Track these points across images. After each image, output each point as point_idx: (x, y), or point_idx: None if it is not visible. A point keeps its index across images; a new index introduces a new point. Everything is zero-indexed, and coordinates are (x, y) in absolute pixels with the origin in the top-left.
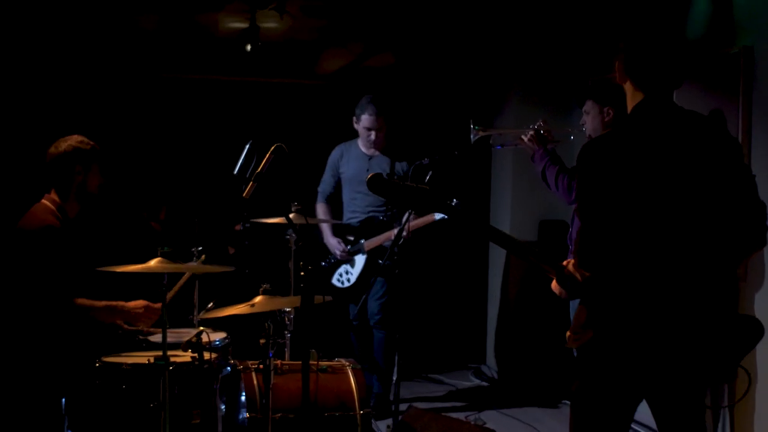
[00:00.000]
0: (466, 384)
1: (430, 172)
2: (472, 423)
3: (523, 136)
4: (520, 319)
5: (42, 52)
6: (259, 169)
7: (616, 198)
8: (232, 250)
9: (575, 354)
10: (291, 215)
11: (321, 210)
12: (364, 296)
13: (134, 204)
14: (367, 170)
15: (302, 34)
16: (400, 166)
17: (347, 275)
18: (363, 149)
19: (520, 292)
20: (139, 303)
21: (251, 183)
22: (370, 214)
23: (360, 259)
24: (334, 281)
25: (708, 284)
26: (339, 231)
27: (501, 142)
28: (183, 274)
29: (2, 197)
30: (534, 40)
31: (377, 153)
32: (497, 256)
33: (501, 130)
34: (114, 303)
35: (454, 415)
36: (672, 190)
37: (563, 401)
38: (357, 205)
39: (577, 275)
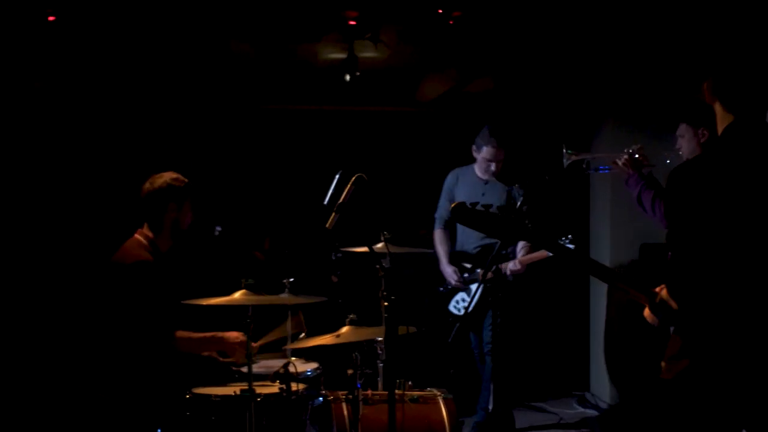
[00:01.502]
0: (570, 412)
1: (521, 198)
2: None
3: (617, 160)
4: (623, 345)
5: (142, 85)
6: (341, 200)
7: (707, 223)
8: (335, 279)
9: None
10: (378, 245)
11: (438, 237)
12: (457, 325)
13: (238, 235)
14: (483, 194)
15: (400, 61)
16: (516, 191)
17: (463, 302)
18: (479, 174)
19: (623, 318)
20: (237, 335)
21: (333, 213)
22: (486, 241)
23: (475, 288)
24: (451, 308)
25: None
26: (455, 258)
27: (595, 167)
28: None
29: (97, 230)
30: (630, 64)
31: (493, 178)
32: (598, 283)
33: (594, 154)
34: (211, 334)
35: None
36: (765, 215)
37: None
38: (471, 233)
39: (672, 303)
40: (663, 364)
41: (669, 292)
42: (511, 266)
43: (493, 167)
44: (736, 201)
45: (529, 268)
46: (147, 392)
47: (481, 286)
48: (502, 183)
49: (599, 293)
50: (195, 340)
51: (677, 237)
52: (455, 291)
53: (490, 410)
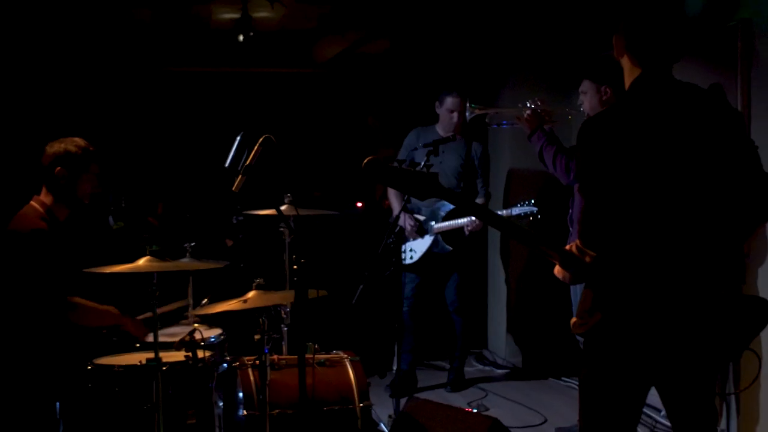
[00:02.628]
0: (468, 369)
1: (426, 157)
2: (475, 409)
3: (520, 115)
4: (521, 303)
5: (36, 48)
6: (248, 162)
7: (619, 175)
8: (230, 243)
9: (579, 339)
10: (283, 207)
11: (392, 192)
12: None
13: (132, 201)
14: (443, 152)
15: (296, 22)
16: (476, 147)
17: (411, 252)
18: (441, 132)
19: (520, 276)
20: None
21: (240, 176)
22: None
23: (427, 240)
24: (404, 256)
25: (716, 261)
26: (409, 212)
27: (498, 122)
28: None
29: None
30: (530, 20)
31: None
32: (495, 241)
33: (498, 108)
34: (114, 311)
35: (456, 398)
36: (675, 164)
37: (564, 378)
38: None
39: (585, 257)
40: (574, 320)
41: (582, 237)
42: (466, 222)
43: (455, 118)
44: (647, 153)
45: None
46: (42, 364)
47: (432, 239)
48: (463, 140)
49: (496, 251)
50: (94, 309)
51: (589, 190)
52: (403, 241)
53: (394, 370)
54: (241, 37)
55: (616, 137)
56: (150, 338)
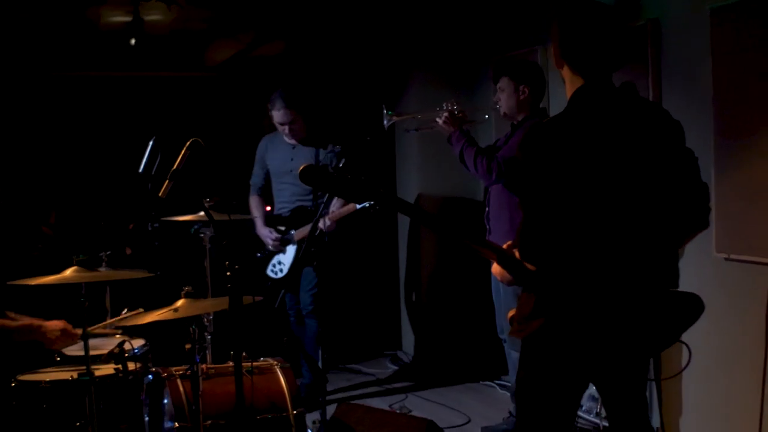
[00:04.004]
0: (384, 371)
1: (344, 159)
2: (398, 411)
3: (437, 119)
4: (434, 302)
5: None
6: (175, 166)
7: (562, 185)
8: (129, 251)
9: (503, 338)
10: (201, 213)
11: (254, 203)
12: (282, 291)
13: (24, 210)
14: (292, 159)
15: (188, 24)
16: (325, 155)
17: (280, 266)
18: (287, 139)
19: (432, 276)
20: (57, 325)
21: (167, 181)
22: (298, 203)
23: (291, 249)
24: (269, 272)
25: (653, 266)
26: (270, 222)
27: (415, 126)
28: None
29: None
30: (431, 19)
31: (293, 142)
32: (407, 242)
33: (415, 114)
34: (29, 322)
35: (376, 402)
36: (619, 174)
37: (483, 381)
38: (284, 196)
39: (527, 264)
40: (514, 324)
41: (522, 251)
42: (321, 225)
43: (286, 130)
44: (591, 163)
45: (340, 227)
46: None
47: (295, 247)
48: (312, 147)
49: (409, 250)
50: (10, 329)
51: (532, 199)
52: (272, 255)
53: (321, 368)
54: (133, 41)
55: (560, 148)
56: (69, 349)
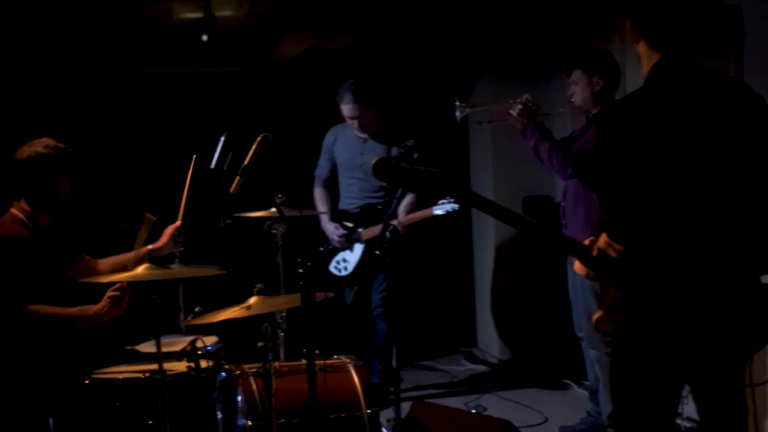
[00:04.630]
0: (460, 369)
1: (416, 154)
2: (473, 410)
3: (511, 111)
4: (510, 300)
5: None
6: (246, 162)
7: (644, 166)
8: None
9: (580, 336)
10: (273, 209)
11: (318, 195)
12: (356, 287)
13: (101, 205)
14: (362, 154)
15: (259, 20)
16: (397, 150)
17: (345, 263)
18: (357, 132)
19: (507, 272)
20: (105, 301)
21: (238, 177)
22: (366, 200)
23: (358, 248)
24: (332, 268)
25: (745, 252)
26: (336, 217)
27: (487, 119)
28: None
29: None
30: (503, 9)
31: (365, 136)
32: (482, 238)
33: (487, 105)
34: (79, 311)
35: (451, 401)
36: (703, 154)
37: (563, 380)
38: (352, 191)
39: (611, 252)
40: (598, 316)
41: (610, 238)
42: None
43: (356, 124)
44: (673, 141)
45: (412, 226)
46: (33, 378)
47: (363, 246)
48: (381, 141)
49: (483, 247)
50: (66, 317)
51: (614, 185)
52: (335, 251)
53: (395, 367)
54: (205, 37)
55: (640, 126)
56: (143, 346)
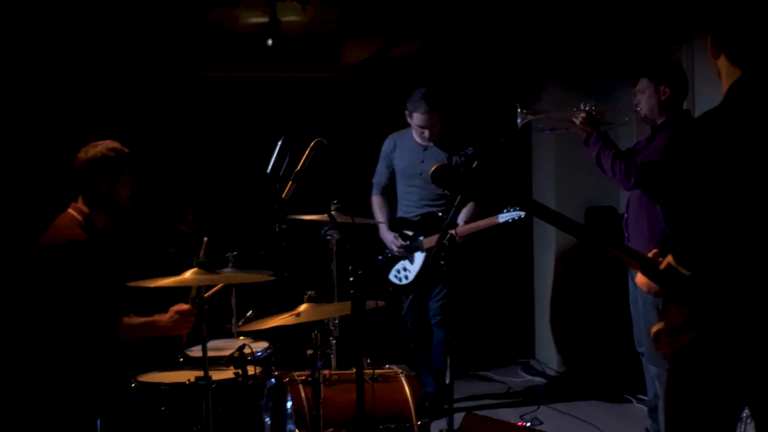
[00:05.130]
0: (516, 380)
1: (476, 162)
2: (528, 423)
3: (574, 119)
4: (570, 311)
5: (58, 55)
6: (299, 167)
7: (720, 187)
8: (262, 253)
9: (640, 351)
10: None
11: (376, 202)
12: (410, 297)
13: (163, 209)
14: (422, 162)
15: (324, 26)
16: (458, 158)
17: (405, 272)
18: (417, 139)
19: (568, 284)
20: (171, 313)
21: (290, 182)
22: (426, 209)
23: (419, 257)
24: (392, 277)
25: None
26: (395, 225)
27: (550, 126)
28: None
29: (25, 207)
30: (569, 18)
31: (430, 143)
32: (543, 247)
33: (550, 113)
34: (151, 319)
35: (507, 412)
36: None
37: (621, 392)
38: (412, 200)
39: (682, 270)
40: (659, 332)
41: (678, 258)
42: (454, 233)
43: (426, 134)
44: (751, 161)
45: (471, 235)
46: (84, 381)
47: (424, 254)
48: (442, 149)
49: (544, 256)
50: (136, 326)
51: (686, 204)
52: (395, 260)
53: (447, 382)
54: (270, 42)
55: (719, 146)
56: (192, 351)
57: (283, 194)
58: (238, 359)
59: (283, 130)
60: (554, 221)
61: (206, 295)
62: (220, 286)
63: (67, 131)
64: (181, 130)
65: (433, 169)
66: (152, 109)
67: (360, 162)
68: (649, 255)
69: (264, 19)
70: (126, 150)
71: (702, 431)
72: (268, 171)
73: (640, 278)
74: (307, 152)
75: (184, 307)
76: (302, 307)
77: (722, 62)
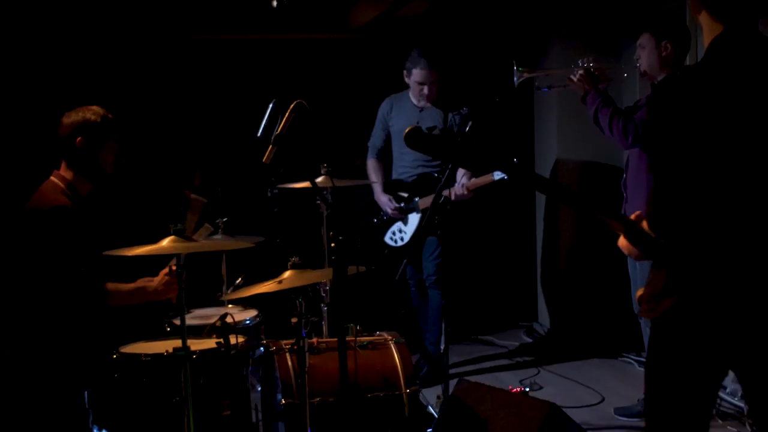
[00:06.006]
0: (518, 343)
1: (470, 122)
2: (527, 388)
3: (572, 76)
4: (571, 274)
5: (54, 17)
6: (278, 130)
7: (699, 146)
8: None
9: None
10: (319, 179)
11: (371, 166)
12: (405, 261)
13: (167, 172)
14: (418, 122)
15: None
16: (454, 118)
17: (401, 234)
18: (414, 101)
19: (570, 247)
20: (161, 276)
21: (271, 146)
22: (421, 169)
23: (414, 218)
24: (387, 239)
25: None
26: (390, 187)
27: (548, 84)
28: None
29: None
30: None
31: (429, 105)
32: (544, 211)
33: (548, 70)
34: (141, 285)
35: (507, 376)
36: (762, 134)
37: (622, 354)
38: (407, 161)
39: (651, 234)
40: (642, 302)
41: (651, 219)
42: (458, 191)
43: (425, 90)
44: (732, 121)
45: (470, 198)
46: (71, 352)
47: (419, 215)
48: (439, 109)
49: (546, 220)
50: (125, 292)
51: (664, 162)
52: (391, 222)
53: (442, 349)
54: (275, 3)
55: (696, 104)
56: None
57: (264, 158)
58: (220, 328)
59: (286, 93)
60: (542, 188)
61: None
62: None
63: (63, 96)
64: (187, 95)
65: (405, 131)
66: (156, 73)
67: (366, 125)
68: (633, 217)
69: None
70: (110, 115)
71: (683, 399)
72: (259, 135)
73: (621, 241)
74: (287, 114)
75: (172, 269)
76: (285, 274)
77: (704, 17)
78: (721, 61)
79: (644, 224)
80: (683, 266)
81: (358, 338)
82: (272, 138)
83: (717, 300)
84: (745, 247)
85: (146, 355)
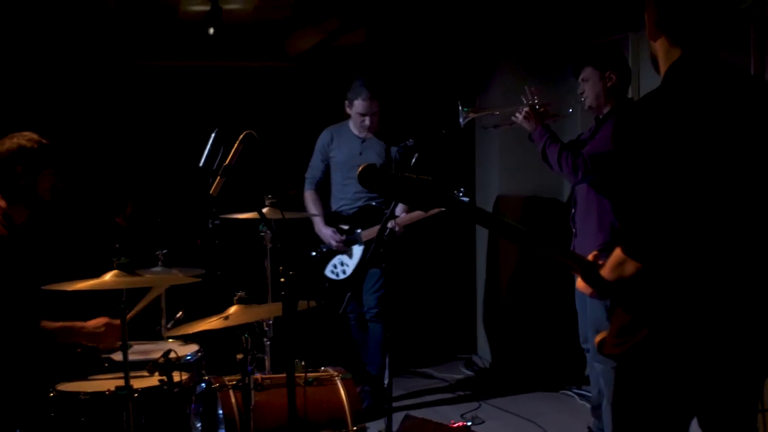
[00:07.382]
0: (458, 376)
1: (416, 155)
2: (469, 422)
3: (517, 114)
4: (512, 306)
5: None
6: (227, 162)
7: (665, 172)
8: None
9: (585, 348)
10: (264, 210)
11: (310, 198)
12: (348, 294)
13: (97, 202)
14: (360, 154)
15: (269, 13)
16: (396, 150)
17: (342, 267)
18: (355, 132)
19: (511, 279)
20: (99, 321)
21: (219, 177)
22: (362, 201)
23: (357, 250)
24: (328, 273)
25: None
26: (331, 219)
27: (494, 123)
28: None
29: None
30: (516, 8)
31: (371, 135)
32: (484, 244)
33: (493, 110)
34: (71, 324)
35: (448, 410)
36: (731, 159)
37: (563, 387)
38: (348, 192)
39: (627, 269)
40: (603, 338)
41: (628, 247)
42: (390, 225)
43: (367, 121)
44: (695, 143)
45: (413, 226)
46: (4, 389)
47: (362, 248)
48: (381, 140)
49: (487, 250)
50: (53, 330)
51: (631, 192)
52: (331, 254)
53: (386, 383)
54: (211, 30)
55: (660, 128)
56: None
57: (211, 190)
58: (164, 365)
59: (224, 121)
60: (489, 224)
61: (130, 315)
62: (150, 297)
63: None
64: (122, 122)
65: (359, 169)
66: (94, 100)
67: (304, 154)
68: (590, 257)
69: (206, 7)
70: (45, 141)
71: None
72: (201, 165)
73: (579, 282)
74: (236, 145)
75: (116, 322)
76: (232, 309)
77: (661, 43)
78: (681, 85)
79: (613, 259)
80: (658, 297)
81: (302, 375)
82: (220, 169)
83: (692, 330)
84: (719, 276)
85: (85, 393)
